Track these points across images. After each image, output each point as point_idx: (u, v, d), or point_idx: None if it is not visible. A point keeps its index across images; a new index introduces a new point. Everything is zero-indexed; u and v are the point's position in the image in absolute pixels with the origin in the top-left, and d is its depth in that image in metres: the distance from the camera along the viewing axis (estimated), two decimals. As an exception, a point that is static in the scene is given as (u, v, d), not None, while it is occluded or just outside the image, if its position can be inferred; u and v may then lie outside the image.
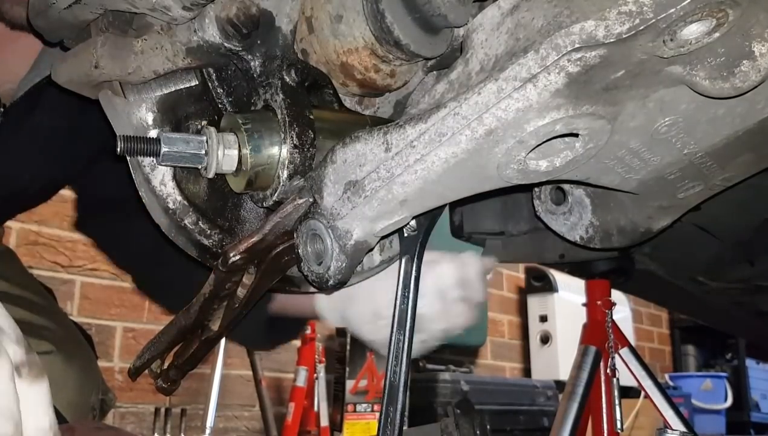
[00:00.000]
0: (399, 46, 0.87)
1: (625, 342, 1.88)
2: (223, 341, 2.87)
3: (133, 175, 0.94)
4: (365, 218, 0.77)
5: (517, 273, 5.70)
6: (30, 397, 0.69)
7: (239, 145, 0.83)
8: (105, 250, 1.55)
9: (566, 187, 0.96)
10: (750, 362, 6.40)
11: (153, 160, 0.90)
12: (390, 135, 0.73)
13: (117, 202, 1.43)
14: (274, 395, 3.68)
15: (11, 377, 0.66)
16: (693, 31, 0.59)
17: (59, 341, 1.30)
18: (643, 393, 1.88)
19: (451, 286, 1.25)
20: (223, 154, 0.82)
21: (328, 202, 0.79)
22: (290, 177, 0.83)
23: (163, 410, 2.88)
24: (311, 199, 0.81)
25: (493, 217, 1.40)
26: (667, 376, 6.16)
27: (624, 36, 0.58)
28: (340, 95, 0.94)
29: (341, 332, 3.34)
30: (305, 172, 0.83)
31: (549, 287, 5.24)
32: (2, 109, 1.36)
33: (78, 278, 3.32)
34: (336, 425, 3.22)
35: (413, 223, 0.85)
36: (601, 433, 1.83)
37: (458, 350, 4.89)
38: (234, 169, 0.83)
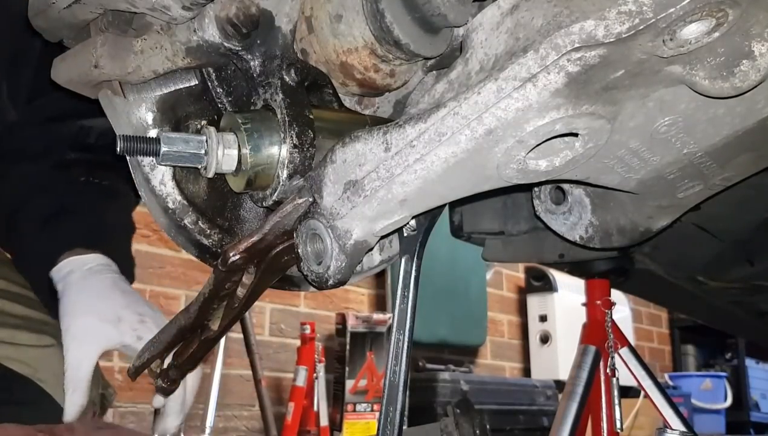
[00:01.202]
0: (399, 45, 0.87)
1: (624, 342, 1.88)
2: (222, 340, 2.85)
3: (132, 174, 0.94)
4: (365, 218, 0.77)
5: (516, 273, 5.70)
6: None
7: (239, 145, 0.83)
8: None
9: (566, 186, 0.96)
10: (750, 362, 6.40)
11: (152, 160, 0.90)
12: (390, 135, 0.73)
13: None
14: (274, 394, 3.67)
15: None
16: (693, 30, 0.59)
17: (59, 335, 1.30)
18: (642, 393, 1.88)
19: None
20: (223, 153, 0.82)
21: (328, 202, 0.79)
22: (290, 177, 0.83)
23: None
24: (311, 199, 0.81)
25: (492, 216, 1.40)
26: (666, 375, 6.16)
27: (624, 36, 0.58)
28: (340, 95, 0.94)
29: (341, 332, 3.34)
30: (305, 171, 0.83)
31: (549, 286, 5.24)
32: None
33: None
34: (336, 424, 3.22)
35: (413, 222, 0.85)
36: (601, 433, 1.83)
37: (458, 350, 4.89)
38: (234, 168, 0.83)
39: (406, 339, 0.85)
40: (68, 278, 1.27)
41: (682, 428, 1.72)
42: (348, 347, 3.27)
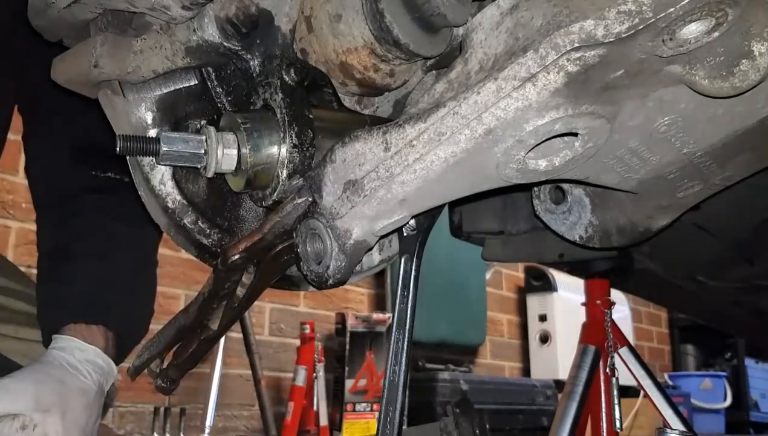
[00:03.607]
0: (398, 45, 0.87)
1: (624, 341, 1.88)
2: (222, 340, 2.84)
3: (132, 174, 0.94)
4: (364, 218, 0.77)
5: (516, 272, 5.70)
6: None
7: (238, 145, 0.83)
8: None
9: (565, 186, 0.96)
10: (749, 362, 6.39)
11: (152, 160, 0.90)
12: (389, 134, 0.73)
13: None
14: (274, 394, 3.67)
15: None
16: (692, 30, 0.59)
17: None
18: (642, 392, 1.88)
19: None
20: (223, 153, 0.82)
21: (328, 202, 0.79)
22: (289, 176, 0.83)
23: (162, 409, 2.87)
24: (310, 199, 0.81)
25: (492, 216, 1.40)
26: (666, 375, 6.16)
27: (623, 35, 0.58)
28: (340, 95, 0.94)
29: (341, 332, 3.34)
30: (304, 171, 0.83)
31: (548, 286, 5.25)
32: None
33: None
34: (335, 424, 3.22)
35: (413, 222, 0.85)
36: (600, 432, 1.83)
37: (457, 350, 4.89)
38: (233, 168, 0.83)
39: (406, 339, 0.85)
40: (54, 354, 1.20)
41: (682, 428, 1.72)
42: (347, 346, 3.28)
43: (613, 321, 1.88)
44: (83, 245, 1.31)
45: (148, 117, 0.90)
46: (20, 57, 1.32)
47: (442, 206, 0.83)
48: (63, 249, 1.32)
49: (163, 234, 1.03)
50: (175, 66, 0.87)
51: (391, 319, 0.87)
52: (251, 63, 0.87)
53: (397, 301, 0.86)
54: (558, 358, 5.09)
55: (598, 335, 1.86)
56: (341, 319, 3.36)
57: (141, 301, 1.40)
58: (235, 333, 3.20)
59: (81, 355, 1.21)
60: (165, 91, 0.91)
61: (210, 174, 0.84)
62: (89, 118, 1.08)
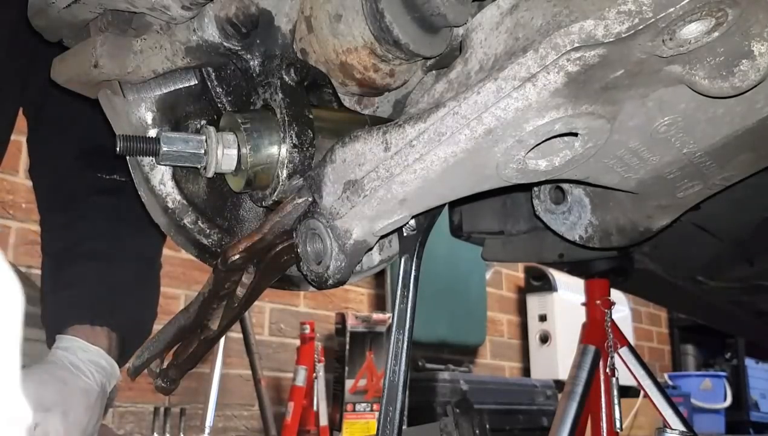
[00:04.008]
0: (398, 45, 0.87)
1: (624, 341, 1.88)
2: (222, 340, 2.84)
3: (132, 174, 0.94)
4: (364, 218, 0.77)
5: (516, 272, 5.70)
6: None
7: (238, 145, 0.83)
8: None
9: (565, 186, 0.96)
10: (749, 362, 6.39)
11: (152, 160, 0.90)
12: (389, 134, 0.73)
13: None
14: (274, 394, 3.67)
15: None
16: (692, 30, 0.59)
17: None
18: (642, 393, 1.88)
19: None
20: (223, 153, 0.82)
21: (328, 202, 0.79)
22: (289, 176, 0.83)
23: (162, 409, 2.87)
24: (310, 199, 0.81)
25: (492, 216, 1.40)
26: (666, 375, 6.15)
27: (623, 35, 0.58)
28: (340, 95, 0.94)
29: (341, 332, 3.34)
30: (304, 171, 0.83)
31: (548, 286, 5.24)
32: None
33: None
34: (335, 424, 3.22)
35: (412, 222, 0.85)
36: (600, 432, 1.82)
37: (457, 350, 4.89)
38: (233, 168, 0.83)
39: (406, 339, 0.85)
40: (58, 355, 1.20)
41: (682, 428, 1.72)
42: (347, 346, 3.27)
43: (613, 321, 1.88)
44: (89, 247, 1.31)
45: (148, 117, 0.90)
46: (25, 60, 1.33)
47: (442, 206, 0.83)
48: (68, 251, 1.32)
49: (166, 237, 1.03)
50: (175, 66, 0.87)
51: (391, 319, 0.87)
52: (251, 63, 0.87)
53: (397, 301, 0.86)
54: (558, 358, 5.08)
55: (598, 335, 1.86)
56: (341, 319, 3.35)
57: (145, 304, 1.40)
58: (235, 333, 3.20)
59: (84, 355, 1.21)
60: (165, 91, 0.91)
61: (210, 174, 0.84)
62: (95, 121, 1.08)
